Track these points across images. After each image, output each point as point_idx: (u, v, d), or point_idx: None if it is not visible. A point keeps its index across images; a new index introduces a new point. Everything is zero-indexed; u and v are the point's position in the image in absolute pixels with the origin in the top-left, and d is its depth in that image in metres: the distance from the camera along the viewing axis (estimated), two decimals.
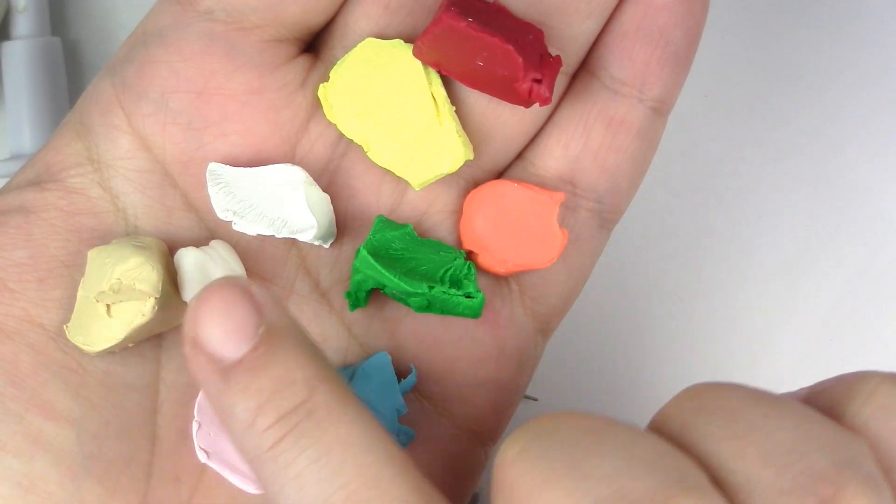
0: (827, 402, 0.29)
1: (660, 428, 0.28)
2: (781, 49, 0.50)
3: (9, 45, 0.46)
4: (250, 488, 0.35)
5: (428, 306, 0.36)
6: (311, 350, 0.30)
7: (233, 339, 0.29)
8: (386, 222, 0.36)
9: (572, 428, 0.27)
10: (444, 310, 0.36)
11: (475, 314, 0.36)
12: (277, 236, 0.35)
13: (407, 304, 0.36)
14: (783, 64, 0.50)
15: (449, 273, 0.36)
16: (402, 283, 0.35)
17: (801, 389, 0.30)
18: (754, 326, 0.50)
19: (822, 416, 0.28)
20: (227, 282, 0.29)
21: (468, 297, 0.36)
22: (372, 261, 0.35)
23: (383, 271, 0.35)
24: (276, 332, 0.29)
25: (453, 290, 0.35)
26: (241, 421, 0.29)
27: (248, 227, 0.35)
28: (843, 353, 0.50)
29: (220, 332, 0.29)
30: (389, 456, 0.29)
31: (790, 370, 0.49)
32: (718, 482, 0.27)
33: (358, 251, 0.35)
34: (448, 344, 0.36)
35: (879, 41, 0.50)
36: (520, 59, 0.34)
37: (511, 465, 0.27)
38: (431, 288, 0.35)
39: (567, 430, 0.27)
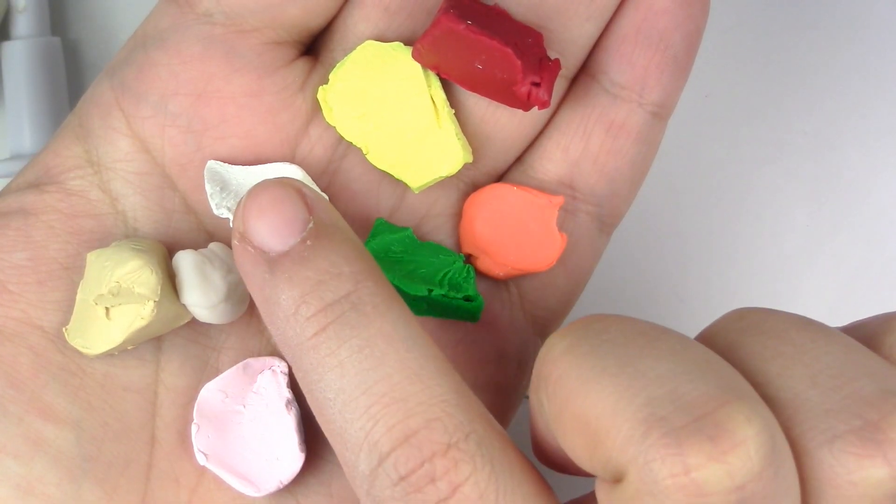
0: (865, 336, 0.29)
1: (708, 343, 0.29)
2: (781, 49, 0.50)
3: (9, 45, 0.46)
4: (249, 491, 0.35)
5: (427, 309, 0.36)
6: (359, 248, 0.30)
7: (281, 232, 0.30)
8: (385, 225, 0.36)
9: (623, 329, 0.28)
10: (444, 313, 0.36)
11: (474, 317, 0.36)
12: None
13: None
14: (783, 64, 0.50)
15: (448, 276, 0.36)
16: (402, 287, 0.35)
17: (839, 327, 0.30)
18: None
19: (865, 346, 0.28)
20: (279, 180, 0.30)
21: (467, 300, 0.36)
22: None
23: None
24: (325, 229, 0.30)
25: (452, 293, 0.35)
26: (285, 309, 0.29)
27: None
28: None
29: (268, 225, 0.30)
30: (433, 355, 0.29)
31: None
32: (764, 399, 0.27)
33: None
34: (447, 346, 0.36)
35: (879, 41, 0.50)
36: (518, 62, 0.34)
37: (558, 359, 0.27)
38: (430, 291, 0.35)
39: (617, 331, 0.28)
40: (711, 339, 0.29)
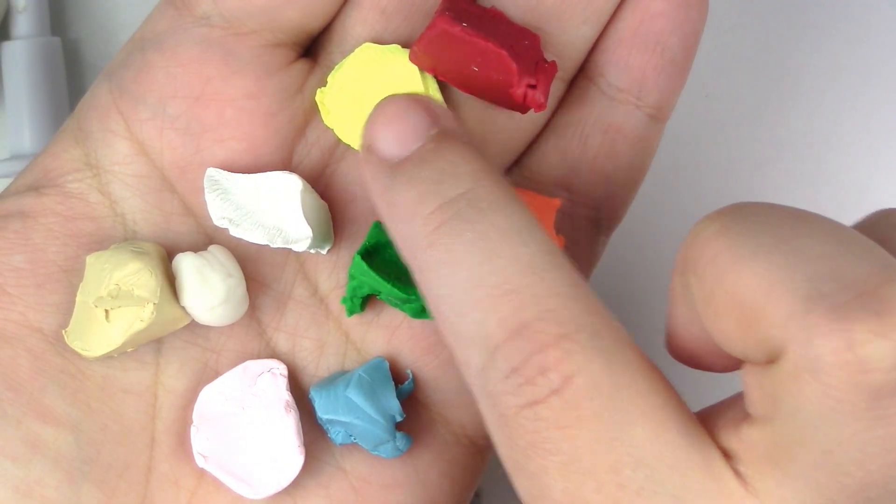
0: None
1: None
2: (781, 49, 0.50)
3: (9, 45, 0.46)
4: (248, 493, 0.35)
5: (423, 311, 0.36)
6: (478, 153, 0.30)
7: (405, 139, 0.30)
8: (382, 228, 0.36)
9: (776, 212, 0.27)
10: None
11: None
12: (272, 246, 0.35)
13: (402, 310, 0.36)
14: (783, 64, 0.50)
15: None
16: (397, 290, 0.35)
17: None
18: None
19: None
20: (404, 94, 0.31)
21: None
22: (366, 267, 0.35)
23: (378, 278, 0.35)
24: (446, 134, 0.30)
25: None
26: (404, 209, 0.29)
27: (243, 235, 0.35)
28: None
29: (393, 134, 0.30)
30: (549, 250, 0.28)
31: None
32: None
33: (354, 258, 0.35)
34: (445, 350, 0.36)
35: (879, 41, 0.50)
36: (514, 65, 0.34)
37: (711, 240, 0.27)
38: None
39: (770, 213, 0.27)
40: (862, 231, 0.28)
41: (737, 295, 0.26)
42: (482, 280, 0.28)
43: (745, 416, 0.27)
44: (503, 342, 0.27)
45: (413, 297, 0.35)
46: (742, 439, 0.27)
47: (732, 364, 0.29)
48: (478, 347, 0.28)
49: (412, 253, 0.29)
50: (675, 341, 0.30)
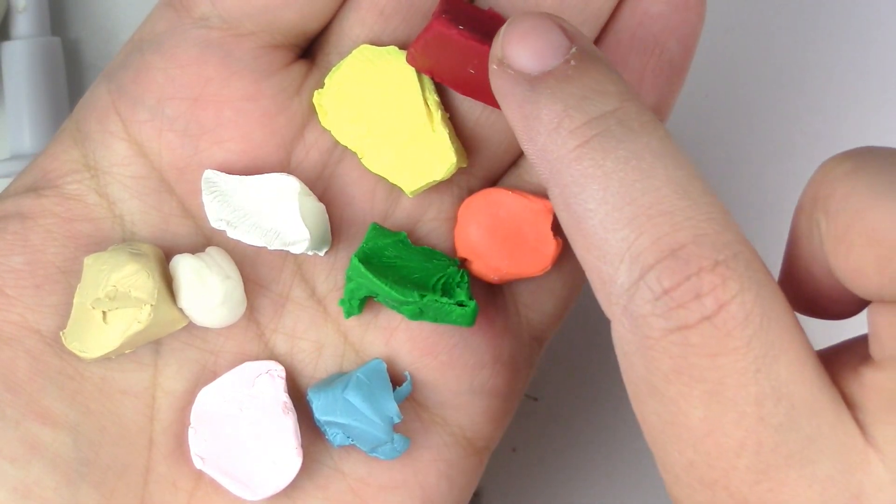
0: None
1: None
2: (781, 49, 0.50)
3: (9, 45, 0.46)
4: (246, 495, 0.35)
5: (421, 314, 0.36)
6: (620, 76, 0.30)
7: (544, 54, 0.29)
8: (380, 230, 0.36)
9: None
10: (438, 318, 0.36)
11: (469, 322, 0.36)
12: (269, 248, 0.35)
13: (400, 312, 0.36)
14: (783, 64, 0.50)
15: (441, 281, 0.36)
16: (394, 292, 0.35)
17: None
18: None
19: None
20: (539, 12, 0.30)
21: (460, 305, 0.35)
22: (363, 269, 0.35)
23: (375, 280, 0.35)
24: (588, 54, 0.30)
25: (445, 299, 0.35)
26: (546, 123, 0.29)
27: (240, 237, 0.35)
28: None
29: (530, 48, 0.30)
30: (700, 176, 0.28)
31: None
32: None
33: (351, 260, 0.35)
34: (443, 352, 0.36)
35: (879, 41, 0.50)
36: None
37: (844, 177, 0.27)
38: (423, 297, 0.35)
39: None
40: None
41: (876, 231, 0.26)
42: (635, 199, 0.27)
43: (869, 360, 0.27)
44: (656, 262, 0.27)
45: (410, 300, 0.35)
46: (864, 384, 0.27)
47: (851, 308, 0.28)
48: (626, 264, 0.27)
49: (554, 166, 0.29)
50: (793, 284, 0.30)
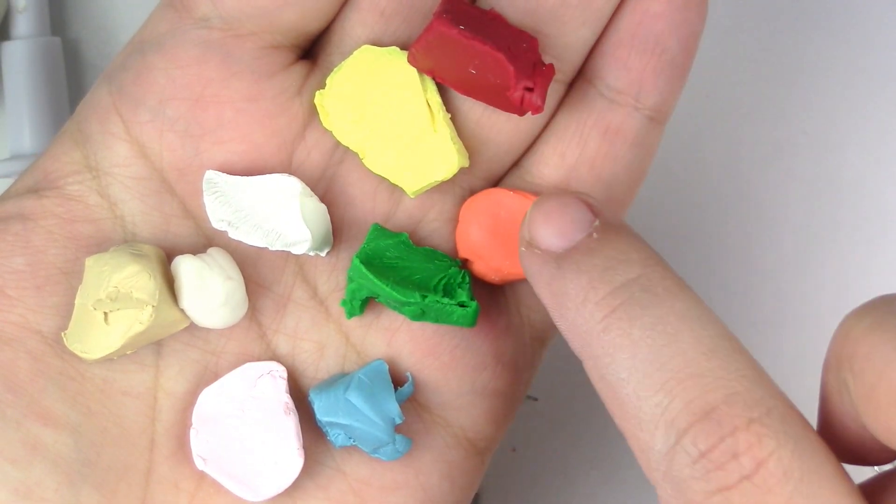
0: None
1: None
2: (781, 49, 0.50)
3: (9, 45, 0.46)
4: (248, 495, 0.35)
5: (422, 314, 0.36)
6: (645, 242, 0.30)
7: (567, 231, 0.30)
8: (381, 230, 0.36)
9: None
10: (439, 318, 0.36)
11: (470, 323, 0.36)
12: (271, 249, 0.35)
13: (402, 313, 0.36)
14: (783, 64, 0.50)
15: (442, 282, 0.36)
16: (395, 293, 0.35)
17: None
18: (754, 326, 0.50)
19: None
20: (562, 192, 0.32)
21: (462, 306, 0.35)
22: (364, 270, 0.35)
23: (376, 280, 0.35)
24: (611, 224, 0.30)
25: (446, 300, 0.35)
26: (574, 298, 0.30)
27: (242, 237, 0.35)
28: None
29: (554, 227, 0.31)
30: (727, 335, 0.28)
31: (790, 370, 0.49)
32: None
33: (352, 260, 0.35)
34: (445, 353, 0.36)
35: (879, 41, 0.50)
36: (511, 67, 0.34)
37: (864, 336, 0.27)
38: (424, 297, 0.35)
39: None
40: None
41: None
42: (664, 364, 0.28)
43: None
44: (690, 426, 0.27)
45: (411, 301, 0.35)
46: None
47: (894, 455, 0.29)
48: (662, 431, 0.28)
49: (585, 339, 0.30)
50: (830, 437, 0.30)
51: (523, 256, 0.31)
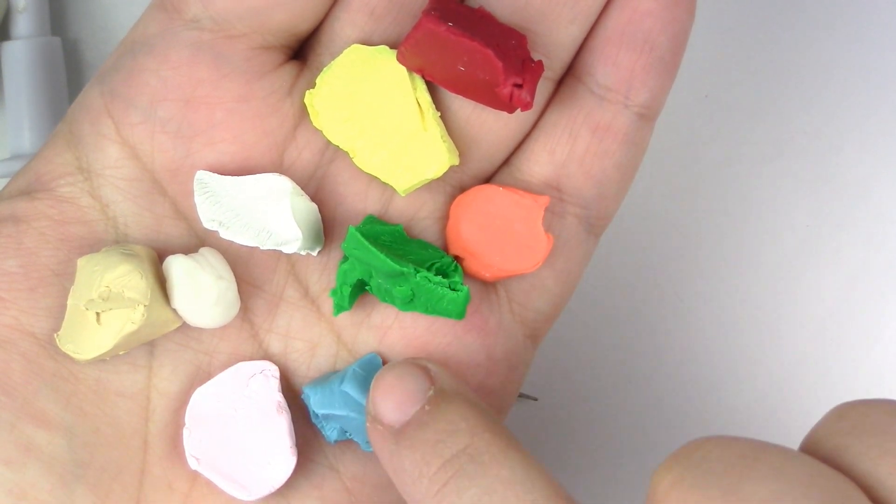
0: None
1: (812, 450, 0.28)
2: (781, 49, 0.50)
3: (9, 45, 0.47)
4: (241, 495, 0.35)
5: (412, 298, 0.35)
6: (477, 406, 0.32)
7: (404, 404, 0.32)
8: (376, 220, 0.36)
9: (724, 454, 0.28)
10: (429, 304, 0.36)
11: (460, 310, 0.36)
12: (262, 248, 0.35)
13: (392, 298, 0.36)
14: (783, 64, 0.50)
15: (436, 265, 0.36)
16: (389, 261, 0.34)
17: None
18: (754, 326, 0.49)
19: None
20: (404, 360, 0.33)
21: (453, 289, 0.35)
22: (360, 238, 0.35)
23: (371, 248, 0.34)
24: (443, 393, 0.32)
25: (438, 278, 0.35)
26: (410, 473, 0.31)
27: (233, 237, 0.35)
28: (844, 353, 0.49)
29: (393, 402, 0.32)
30: (553, 494, 0.30)
31: (790, 370, 0.49)
32: (877, 502, 0.27)
33: (348, 231, 0.35)
34: (436, 350, 0.36)
35: (879, 41, 0.50)
36: (500, 64, 0.34)
37: (666, 495, 0.28)
38: (417, 271, 0.35)
39: (718, 457, 0.28)
40: (815, 445, 0.28)
41: None
42: None
43: None
44: None
45: (405, 271, 0.35)
46: None
47: None
48: None
49: None
50: None
51: (369, 430, 0.33)
